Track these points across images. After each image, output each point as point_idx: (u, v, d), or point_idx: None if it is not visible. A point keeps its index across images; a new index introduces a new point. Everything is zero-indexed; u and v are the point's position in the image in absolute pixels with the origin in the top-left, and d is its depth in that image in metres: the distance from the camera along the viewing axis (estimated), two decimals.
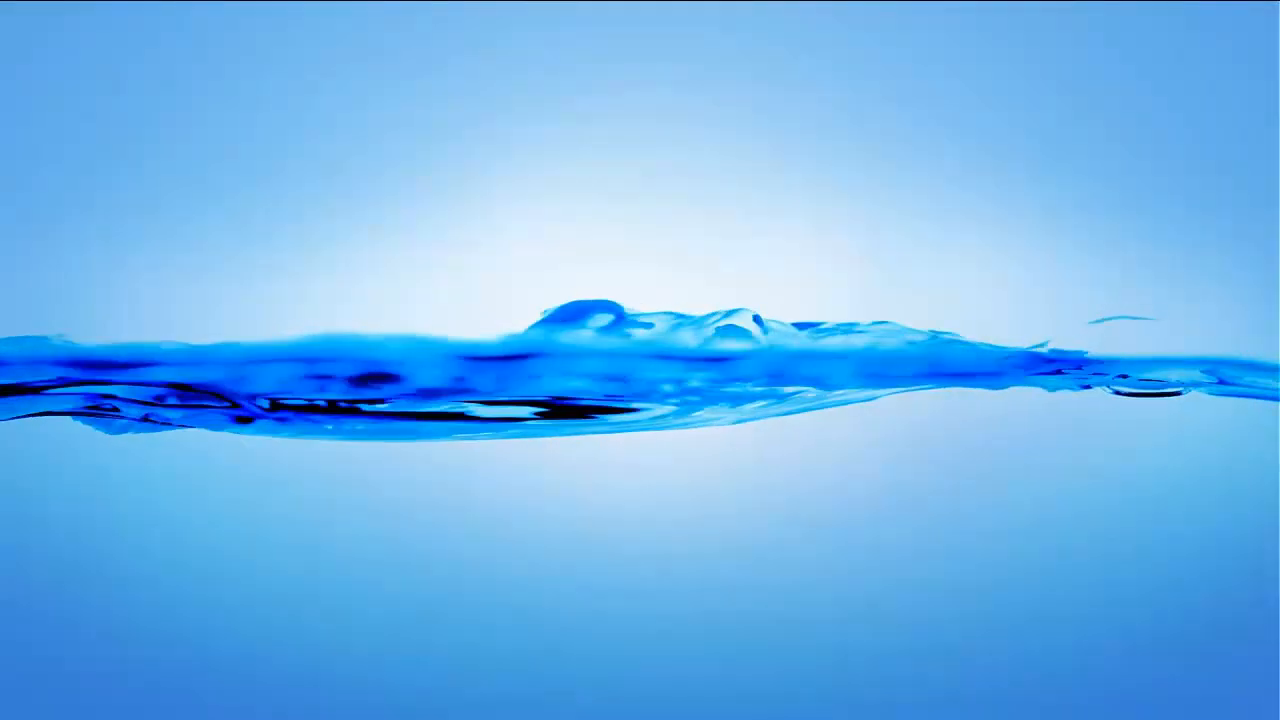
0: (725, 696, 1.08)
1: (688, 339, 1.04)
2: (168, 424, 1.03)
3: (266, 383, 1.02)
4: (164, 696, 1.07)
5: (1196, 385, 1.07)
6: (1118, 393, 1.07)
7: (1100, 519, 1.11)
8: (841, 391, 1.06)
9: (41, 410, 1.03)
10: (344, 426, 1.04)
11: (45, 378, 1.01)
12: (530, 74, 1.07)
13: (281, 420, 1.03)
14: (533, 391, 1.04)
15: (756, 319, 1.04)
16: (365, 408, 1.03)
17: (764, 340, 1.03)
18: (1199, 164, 1.10)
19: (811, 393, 1.06)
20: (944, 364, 1.06)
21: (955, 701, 1.09)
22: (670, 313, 1.05)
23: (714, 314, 1.04)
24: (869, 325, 1.05)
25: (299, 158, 1.07)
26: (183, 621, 1.08)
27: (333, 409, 1.03)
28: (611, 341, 1.03)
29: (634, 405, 1.05)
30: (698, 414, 1.05)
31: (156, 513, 1.08)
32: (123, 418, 1.03)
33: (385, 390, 1.02)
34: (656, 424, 1.05)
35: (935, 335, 1.05)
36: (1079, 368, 1.06)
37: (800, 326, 1.05)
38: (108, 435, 1.05)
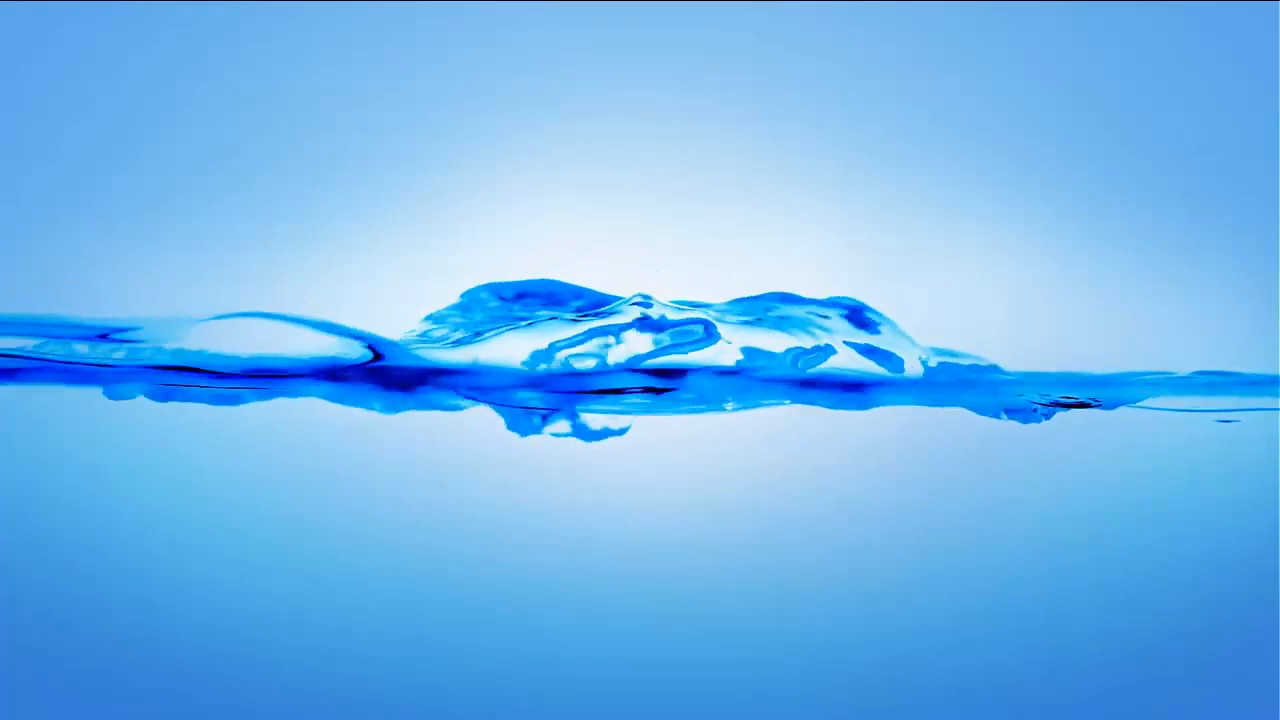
0: (726, 696, 1.08)
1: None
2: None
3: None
4: (160, 697, 1.06)
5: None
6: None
7: (1099, 519, 1.12)
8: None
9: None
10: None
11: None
12: (530, 74, 1.07)
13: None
14: None
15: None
16: None
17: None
18: (1199, 164, 1.10)
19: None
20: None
21: (955, 702, 1.09)
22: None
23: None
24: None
25: (296, 158, 1.07)
26: (177, 620, 1.07)
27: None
28: None
29: None
30: None
31: (152, 509, 1.08)
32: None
33: None
34: None
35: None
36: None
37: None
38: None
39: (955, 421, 1.09)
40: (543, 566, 1.08)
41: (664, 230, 1.08)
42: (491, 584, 1.08)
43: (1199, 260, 1.09)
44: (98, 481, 1.07)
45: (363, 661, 1.07)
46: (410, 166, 1.07)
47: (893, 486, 1.10)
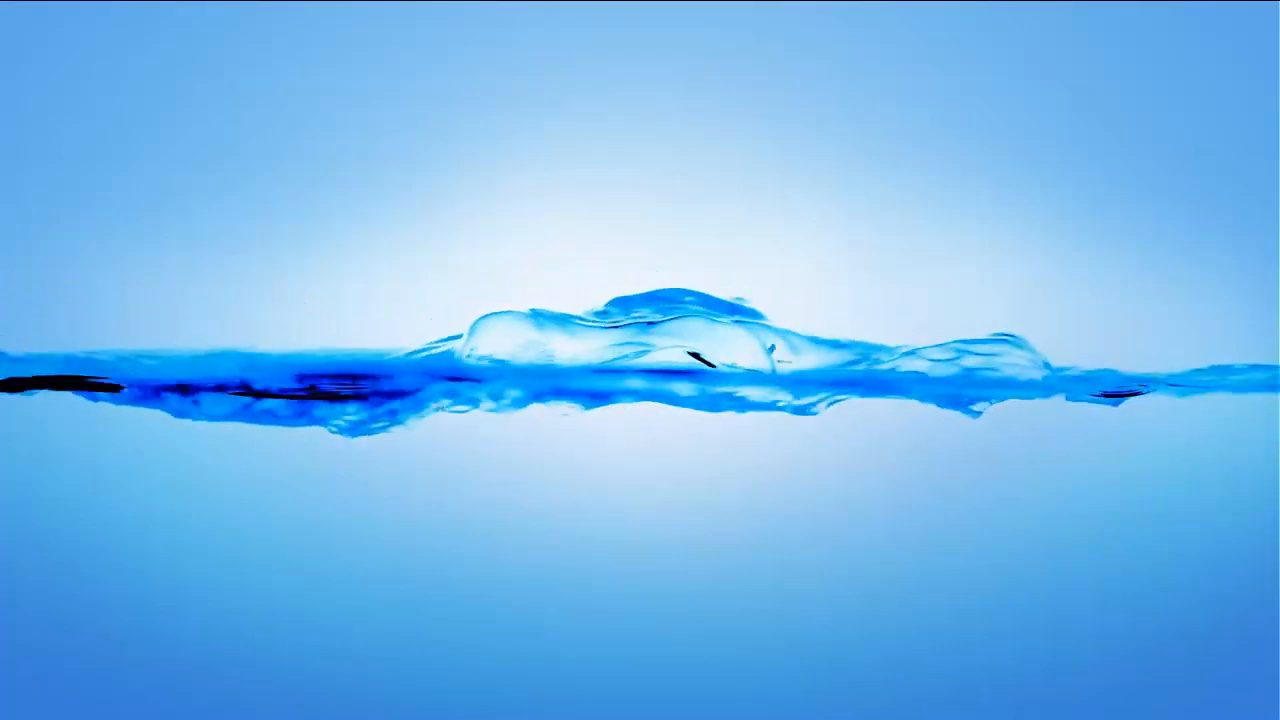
0: (726, 696, 1.08)
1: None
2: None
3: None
4: (160, 697, 1.06)
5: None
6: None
7: (1099, 519, 1.11)
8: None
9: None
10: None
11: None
12: (530, 74, 1.07)
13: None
14: None
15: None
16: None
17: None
18: (1199, 164, 1.10)
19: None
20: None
21: (955, 702, 1.09)
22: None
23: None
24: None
25: (296, 158, 1.07)
26: (177, 620, 1.07)
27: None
28: None
29: None
30: None
31: (152, 509, 1.08)
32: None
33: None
34: None
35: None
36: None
37: (818, 341, 1.05)
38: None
39: (955, 421, 1.09)
40: (543, 566, 1.08)
41: (664, 230, 1.07)
42: (491, 584, 1.08)
43: (1199, 260, 1.09)
44: (98, 482, 1.07)
45: (363, 661, 1.07)
46: (410, 166, 1.07)
47: (893, 486, 1.10)
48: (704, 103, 1.08)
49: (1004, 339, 1.05)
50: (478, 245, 1.06)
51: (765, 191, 1.09)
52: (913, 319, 1.07)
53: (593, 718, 1.07)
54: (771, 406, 1.06)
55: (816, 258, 1.08)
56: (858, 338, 1.06)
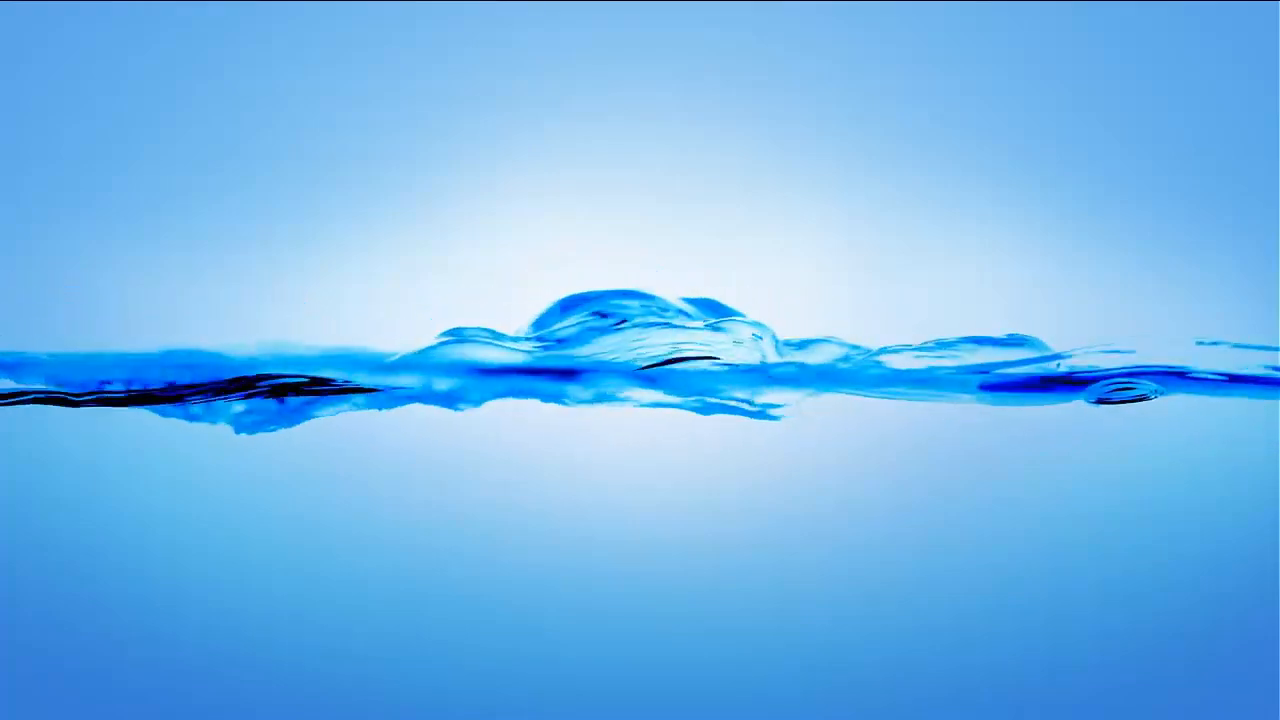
0: (726, 696, 1.08)
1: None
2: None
3: None
4: (160, 697, 1.06)
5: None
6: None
7: (1099, 519, 1.12)
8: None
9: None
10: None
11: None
12: (530, 74, 1.07)
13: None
14: None
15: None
16: None
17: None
18: (1199, 164, 1.10)
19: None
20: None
21: (955, 702, 1.09)
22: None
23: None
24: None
25: (296, 158, 1.07)
26: (177, 620, 1.07)
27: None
28: None
29: None
30: None
31: (152, 509, 1.08)
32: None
33: None
34: None
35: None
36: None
37: (798, 344, 1.05)
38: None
39: (955, 421, 1.09)
40: (543, 566, 1.08)
41: (664, 230, 1.07)
42: (491, 584, 1.08)
43: (1199, 260, 1.09)
44: (98, 482, 1.07)
45: (363, 661, 1.07)
46: (410, 166, 1.07)
47: (893, 486, 1.10)
48: (704, 103, 1.08)
49: (1018, 340, 1.05)
50: (478, 245, 1.06)
51: (765, 191, 1.09)
52: (913, 319, 1.07)
53: (593, 718, 1.07)
54: (766, 410, 1.06)
55: (816, 258, 1.08)
56: (858, 338, 1.06)
